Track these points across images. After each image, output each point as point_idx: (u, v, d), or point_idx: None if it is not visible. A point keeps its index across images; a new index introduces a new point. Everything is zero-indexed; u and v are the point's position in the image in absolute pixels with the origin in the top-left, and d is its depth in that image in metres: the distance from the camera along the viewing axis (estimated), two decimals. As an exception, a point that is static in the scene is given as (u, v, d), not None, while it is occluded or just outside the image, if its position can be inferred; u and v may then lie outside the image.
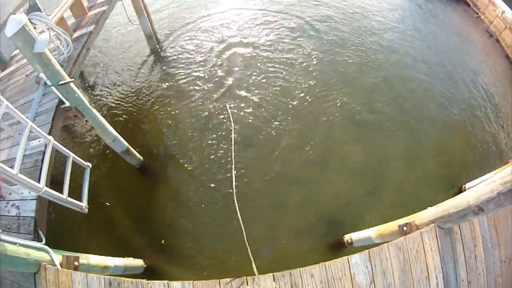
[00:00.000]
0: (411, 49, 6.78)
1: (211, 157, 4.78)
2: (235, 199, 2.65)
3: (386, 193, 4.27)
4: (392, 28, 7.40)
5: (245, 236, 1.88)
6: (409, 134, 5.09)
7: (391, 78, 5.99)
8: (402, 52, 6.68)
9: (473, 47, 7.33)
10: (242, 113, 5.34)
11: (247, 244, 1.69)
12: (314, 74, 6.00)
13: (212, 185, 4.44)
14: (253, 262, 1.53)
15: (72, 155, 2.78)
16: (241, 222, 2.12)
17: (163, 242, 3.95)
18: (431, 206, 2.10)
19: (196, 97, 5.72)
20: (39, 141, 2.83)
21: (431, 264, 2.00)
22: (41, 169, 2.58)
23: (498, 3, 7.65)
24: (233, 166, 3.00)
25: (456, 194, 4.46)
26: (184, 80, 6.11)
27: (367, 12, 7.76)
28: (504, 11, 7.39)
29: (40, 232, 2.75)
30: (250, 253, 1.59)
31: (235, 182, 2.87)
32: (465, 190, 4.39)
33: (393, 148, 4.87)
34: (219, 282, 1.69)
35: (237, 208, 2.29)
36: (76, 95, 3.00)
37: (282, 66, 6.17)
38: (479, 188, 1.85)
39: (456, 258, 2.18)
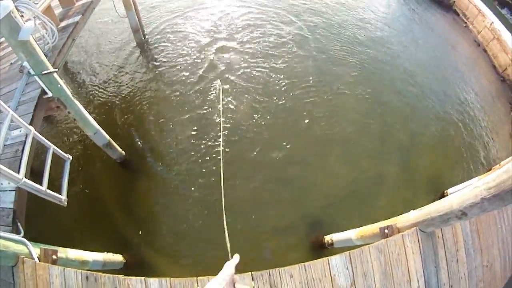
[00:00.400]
0: (397, 57, 6.82)
1: (195, 151, 4.72)
2: (222, 197, 2.60)
3: (368, 195, 4.30)
4: (378, 31, 7.42)
5: (226, 235, 1.85)
6: (394, 141, 5.13)
7: (373, 82, 6.02)
8: (389, 58, 6.71)
9: (460, 55, 7.44)
10: (226, 107, 5.28)
11: (227, 244, 1.66)
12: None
13: (195, 181, 4.38)
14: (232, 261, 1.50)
15: (53, 146, 2.70)
16: (224, 221, 2.09)
17: (140, 233, 3.91)
18: (413, 210, 2.09)
19: (181, 90, 5.66)
20: (20, 131, 2.74)
21: (413, 268, 2.00)
22: (21, 160, 2.50)
23: (487, 14, 7.82)
24: (221, 164, 2.96)
25: (438, 199, 4.53)
26: (169, 74, 6.05)
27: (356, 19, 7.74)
28: (493, 22, 7.57)
29: (19, 224, 2.68)
30: (229, 253, 1.55)
31: (222, 177, 2.85)
32: (447, 195, 4.46)
33: (376, 150, 4.90)
34: (197, 279, 1.66)
35: (223, 207, 2.26)
36: (59, 85, 2.91)
37: (267, 61, 6.13)
38: (463, 193, 1.85)
39: (437, 262, 2.19)
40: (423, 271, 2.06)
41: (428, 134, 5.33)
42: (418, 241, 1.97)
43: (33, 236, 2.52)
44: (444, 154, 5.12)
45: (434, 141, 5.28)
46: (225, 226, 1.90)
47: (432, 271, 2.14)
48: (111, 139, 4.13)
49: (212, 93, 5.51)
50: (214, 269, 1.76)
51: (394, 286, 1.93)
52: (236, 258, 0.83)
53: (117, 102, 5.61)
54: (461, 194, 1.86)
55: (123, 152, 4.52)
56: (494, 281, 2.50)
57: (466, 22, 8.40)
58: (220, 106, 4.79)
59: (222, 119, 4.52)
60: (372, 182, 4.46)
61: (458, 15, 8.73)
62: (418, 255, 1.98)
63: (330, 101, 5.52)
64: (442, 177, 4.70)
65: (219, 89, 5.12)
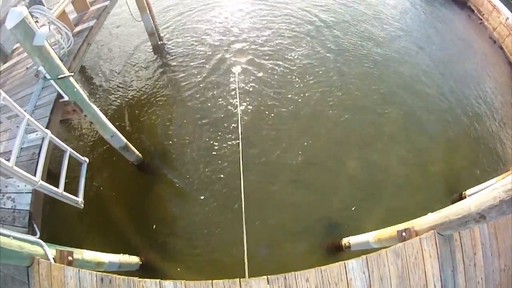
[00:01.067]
0: (412, 56, 6.72)
1: (213, 153, 4.74)
2: (242, 199, 2.59)
3: (385, 198, 4.24)
4: (392, 29, 7.32)
5: (245, 238, 1.85)
6: (411, 140, 5.05)
7: (392, 86, 5.93)
8: (404, 57, 6.62)
9: (476, 52, 7.28)
10: (245, 110, 5.29)
11: (245, 248, 1.66)
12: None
13: (212, 184, 4.40)
14: (246, 266, 1.49)
15: (69, 149, 2.75)
16: (243, 224, 2.08)
17: (154, 227, 3.93)
18: (431, 212, 2.05)
19: (198, 94, 5.70)
20: (37, 135, 2.80)
21: (430, 272, 1.95)
22: (37, 163, 2.56)
23: (502, 9, 7.63)
24: (241, 168, 2.95)
25: (456, 201, 4.43)
26: (186, 77, 6.09)
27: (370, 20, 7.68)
28: (508, 18, 7.38)
29: (34, 225, 2.74)
30: (246, 257, 1.54)
31: (243, 178, 2.84)
32: (465, 197, 4.35)
33: (394, 153, 4.84)
34: (212, 283, 1.66)
35: (243, 209, 2.24)
36: (75, 89, 2.97)
37: (282, 67, 6.12)
38: (481, 195, 1.81)
39: (455, 266, 2.13)
40: (440, 276, 2.01)
41: (444, 133, 5.25)
42: (436, 244, 1.93)
43: (48, 238, 2.57)
44: (461, 154, 5.02)
45: (451, 140, 5.18)
46: (244, 232, 1.87)
47: (449, 275, 2.09)
48: (128, 142, 4.17)
49: (229, 98, 5.50)
50: (229, 274, 1.76)
51: (411, 290, 1.89)
52: None
53: (133, 106, 5.68)
54: (479, 197, 1.82)
55: (140, 154, 4.56)
56: None
57: (481, 19, 8.20)
58: (237, 97, 4.61)
59: (240, 111, 4.37)
60: (390, 185, 4.40)
61: (473, 11, 8.54)
62: (436, 259, 1.94)
63: (347, 103, 5.48)
64: (459, 177, 4.60)
65: (237, 77, 5.00)
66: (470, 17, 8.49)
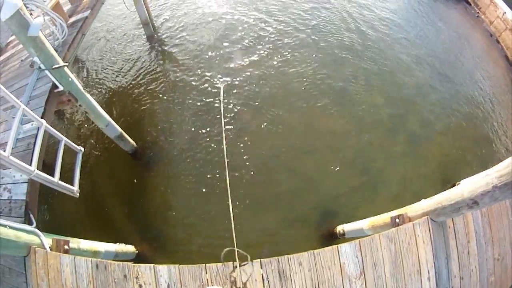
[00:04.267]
0: (407, 45, 6.68)
1: (205, 143, 4.74)
2: (228, 185, 2.60)
3: (380, 186, 4.27)
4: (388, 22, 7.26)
5: (233, 226, 1.86)
6: (406, 131, 5.07)
7: (385, 75, 5.92)
8: (399, 47, 6.58)
9: (472, 45, 7.28)
10: (236, 101, 5.27)
11: (233, 233, 1.68)
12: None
13: (206, 173, 4.40)
14: (236, 251, 1.50)
15: (64, 139, 2.75)
16: (231, 213, 2.09)
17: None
18: (424, 199, 2.06)
19: (192, 83, 5.67)
20: (32, 125, 2.80)
21: (423, 258, 1.97)
22: (33, 152, 2.56)
23: (499, 4, 7.63)
24: (225, 154, 2.96)
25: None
26: (180, 67, 6.05)
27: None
28: (505, 12, 7.39)
29: (31, 215, 2.74)
30: (235, 241, 1.56)
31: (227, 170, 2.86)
32: None
33: (390, 142, 4.87)
34: (205, 266, 1.67)
35: (229, 197, 2.26)
36: (70, 79, 2.97)
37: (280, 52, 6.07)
38: (474, 181, 1.81)
39: (448, 253, 2.15)
40: (434, 262, 2.02)
41: (439, 125, 5.26)
42: (429, 230, 1.94)
43: (45, 228, 2.58)
44: (456, 145, 5.04)
45: (446, 132, 5.20)
46: (232, 218, 1.88)
47: (442, 262, 2.10)
48: (122, 131, 4.18)
49: (220, 87, 5.49)
50: (226, 260, 1.75)
51: (404, 276, 1.91)
52: None
53: (128, 95, 5.66)
54: (472, 182, 1.82)
55: (135, 144, 4.57)
56: (505, 275, 2.45)
57: (478, 12, 8.19)
58: (221, 109, 4.67)
59: (223, 120, 4.42)
60: (384, 173, 4.43)
61: (470, 4, 8.53)
62: (429, 245, 1.95)
63: (341, 92, 5.47)
64: (453, 168, 4.63)
65: (222, 92, 5.02)
66: (467, 9, 8.47)
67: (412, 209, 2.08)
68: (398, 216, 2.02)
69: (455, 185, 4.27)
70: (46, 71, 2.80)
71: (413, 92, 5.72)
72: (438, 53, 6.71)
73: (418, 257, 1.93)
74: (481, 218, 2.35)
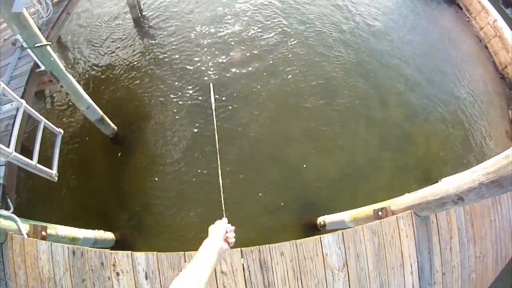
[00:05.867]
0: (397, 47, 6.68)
1: (187, 129, 4.66)
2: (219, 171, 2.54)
3: (362, 180, 4.30)
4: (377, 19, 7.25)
5: (224, 210, 1.81)
6: (390, 130, 5.13)
7: (372, 74, 5.91)
8: (388, 49, 6.58)
9: (461, 50, 7.38)
10: (223, 79, 5.19)
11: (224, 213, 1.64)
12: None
13: (189, 156, 4.33)
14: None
15: (44, 120, 2.64)
16: (222, 197, 2.05)
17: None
18: (408, 193, 2.06)
19: (176, 66, 5.56)
20: (11, 105, 2.67)
21: (406, 252, 1.97)
22: (11, 133, 2.44)
23: (491, 11, 7.79)
24: (216, 138, 2.91)
25: None
26: (165, 49, 5.94)
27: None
28: (496, 20, 7.54)
29: (8, 199, 2.63)
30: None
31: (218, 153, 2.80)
32: None
33: (374, 137, 4.89)
34: (184, 254, 1.62)
35: (221, 183, 2.20)
36: (52, 58, 2.85)
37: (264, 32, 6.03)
38: (459, 177, 1.82)
39: (431, 248, 2.17)
40: (417, 256, 2.03)
41: (424, 127, 5.32)
42: (413, 224, 1.94)
43: (21, 213, 2.48)
44: (439, 147, 5.12)
45: (430, 134, 5.27)
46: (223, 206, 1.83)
47: (425, 256, 2.12)
48: (104, 114, 4.07)
49: (208, 73, 5.39)
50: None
51: (387, 269, 1.90)
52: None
53: (110, 77, 5.50)
54: (458, 178, 1.82)
55: (116, 127, 4.46)
56: (486, 273, 2.49)
57: (469, 17, 8.36)
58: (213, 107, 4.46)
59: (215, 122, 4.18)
60: (367, 166, 4.46)
61: (461, 9, 8.69)
62: (412, 239, 1.95)
63: (327, 83, 5.45)
64: (436, 169, 4.71)
65: (211, 91, 4.84)
66: (458, 13, 8.60)
67: (395, 203, 2.08)
68: (381, 209, 2.02)
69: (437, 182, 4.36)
70: (28, 50, 2.67)
71: (397, 91, 5.75)
72: (425, 56, 6.74)
73: (401, 250, 1.93)
74: (464, 216, 2.38)
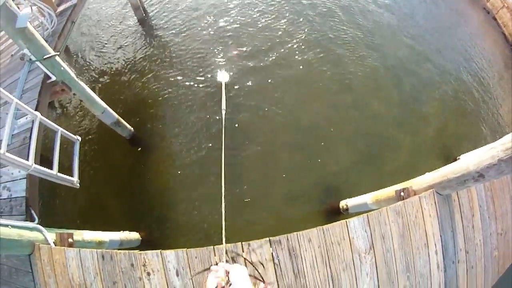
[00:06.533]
0: (402, 23, 6.58)
1: (201, 124, 4.70)
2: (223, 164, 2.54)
3: (382, 161, 4.29)
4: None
5: (223, 208, 1.83)
6: (405, 108, 5.08)
7: (384, 55, 5.83)
8: (395, 22, 6.48)
9: (469, 22, 7.23)
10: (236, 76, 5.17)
11: (223, 211, 1.65)
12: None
13: (204, 153, 4.35)
14: (223, 234, 1.46)
15: (61, 129, 2.69)
16: (223, 192, 2.05)
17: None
18: (428, 172, 2.06)
19: (187, 65, 5.57)
20: (26, 119, 2.73)
21: (430, 231, 1.97)
22: (29, 146, 2.50)
23: None
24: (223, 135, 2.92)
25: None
26: (173, 49, 5.96)
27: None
28: None
29: (32, 211, 2.69)
30: (223, 222, 1.54)
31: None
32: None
33: (390, 117, 4.86)
34: (214, 248, 1.65)
35: (223, 184, 2.20)
36: (62, 68, 2.88)
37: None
38: (479, 154, 1.80)
39: (454, 227, 2.16)
40: (440, 235, 2.03)
41: (437, 102, 5.27)
42: (435, 203, 1.94)
43: (47, 223, 2.53)
44: (454, 121, 5.08)
45: (444, 108, 5.22)
46: (223, 212, 1.82)
47: (449, 235, 2.11)
48: (119, 117, 4.13)
49: (215, 74, 5.37)
50: (230, 240, 1.73)
51: (413, 249, 1.91)
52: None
53: (122, 80, 5.56)
54: (477, 155, 1.81)
55: (132, 128, 4.52)
56: (508, 250, 2.48)
57: None
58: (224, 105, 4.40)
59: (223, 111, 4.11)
60: (384, 148, 4.44)
61: None
62: (435, 218, 1.95)
63: (342, 67, 5.42)
64: (453, 144, 4.67)
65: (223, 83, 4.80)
66: None
67: (416, 183, 2.07)
68: (403, 190, 2.02)
69: (455, 160, 4.34)
70: (37, 62, 2.71)
71: (407, 69, 5.66)
72: (433, 28, 6.62)
73: (425, 230, 1.94)
74: (485, 193, 2.37)
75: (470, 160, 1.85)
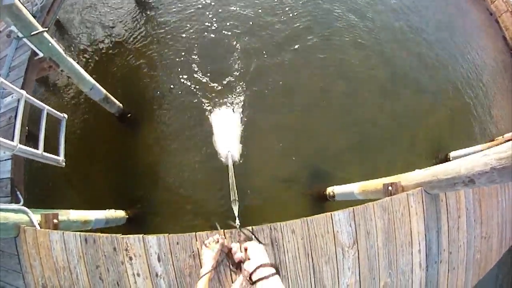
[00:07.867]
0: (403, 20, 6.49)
1: (194, 101, 4.61)
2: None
3: (372, 151, 4.29)
4: None
5: (235, 191, 1.80)
6: (399, 100, 5.09)
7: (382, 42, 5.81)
8: (394, 21, 6.38)
9: (471, 23, 7.20)
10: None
11: (234, 196, 1.62)
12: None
13: (194, 130, 4.30)
14: (237, 220, 1.45)
15: (47, 107, 2.61)
16: (231, 172, 2.01)
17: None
18: (418, 169, 2.05)
19: (180, 46, 5.41)
20: (12, 97, 2.64)
21: (415, 230, 1.98)
22: (14, 126, 2.42)
23: None
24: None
25: (441, 161, 4.60)
26: (169, 28, 5.76)
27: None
28: None
29: (17, 192, 2.65)
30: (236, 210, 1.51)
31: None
32: (449, 158, 4.51)
33: (382, 109, 4.86)
34: (196, 235, 1.63)
35: (230, 163, 2.15)
36: (50, 44, 2.78)
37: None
38: (472, 159, 1.77)
39: (439, 227, 2.17)
40: (425, 234, 2.04)
41: (433, 99, 5.29)
42: (423, 202, 1.93)
43: (33, 204, 2.49)
44: (447, 120, 5.13)
45: (439, 106, 5.25)
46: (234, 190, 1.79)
47: (433, 235, 2.13)
48: (107, 93, 4.03)
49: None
50: (218, 222, 1.70)
51: (396, 247, 1.92)
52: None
53: (113, 56, 5.39)
54: (470, 160, 1.78)
55: (121, 105, 4.42)
56: (490, 254, 2.51)
57: None
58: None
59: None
60: (376, 137, 4.45)
61: None
62: (422, 217, 1.95)
63: (335, 54, 5.35)
64: (445, 141, 4.72)
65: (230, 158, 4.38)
66: None
67: (405, 178, 2.06)
68: (391, 184, 2.01)
69: (446, 156, 4.36)
70: (25, 39, 2.60)
71: (405, 65, 5.63)
72: (433, 27, 6.57)
73: (411, 228, 1.94)
74: (473, 196, 2.37)
75: (462, 164, 1.83)
